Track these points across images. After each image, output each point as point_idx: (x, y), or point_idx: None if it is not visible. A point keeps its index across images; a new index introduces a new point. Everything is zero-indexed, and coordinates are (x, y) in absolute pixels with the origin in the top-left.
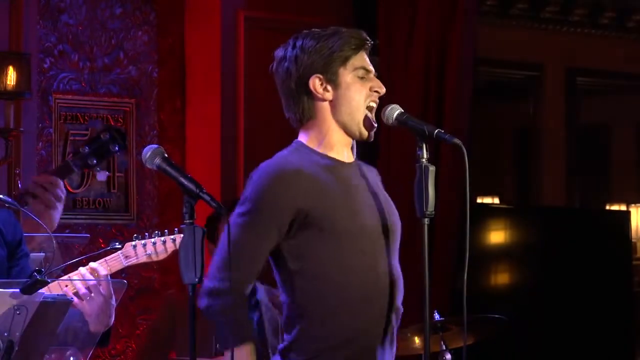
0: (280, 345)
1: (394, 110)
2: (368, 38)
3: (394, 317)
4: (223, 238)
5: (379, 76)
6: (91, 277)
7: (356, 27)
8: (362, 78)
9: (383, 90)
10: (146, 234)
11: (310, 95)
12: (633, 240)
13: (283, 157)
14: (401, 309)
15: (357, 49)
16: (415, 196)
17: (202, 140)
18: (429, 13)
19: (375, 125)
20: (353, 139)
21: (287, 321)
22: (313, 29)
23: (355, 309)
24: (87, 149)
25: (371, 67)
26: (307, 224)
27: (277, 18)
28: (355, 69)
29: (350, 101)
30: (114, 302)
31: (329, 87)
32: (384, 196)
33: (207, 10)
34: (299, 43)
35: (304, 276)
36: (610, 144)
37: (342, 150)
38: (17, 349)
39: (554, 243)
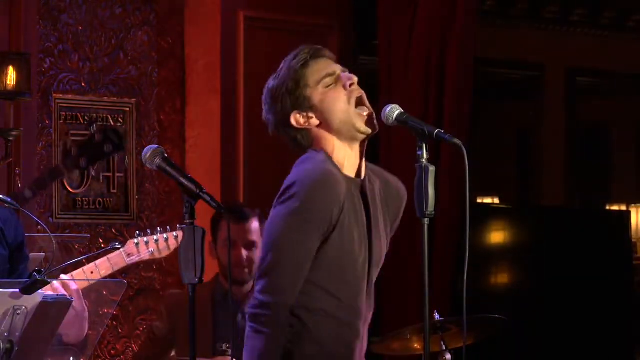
0: None
1: (394, 110)
2: (316, 48)
3: (358, 346)
4: (274, 235)
5: (379, 76)
6: (63, 291)
7: (356, 27)
8: (330, 84)
9: (355, 79)
10: (148, 230)
11: (299, 130)
12: (633, 240)
13: (323, 162)
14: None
15: (309, 60)
16: (415, 196)
17: (202, 140)
18: (429, 13)
19: (368, 111)
20: (359, 141)
21: None
22: (274, 72)
23: (336, 330)
24: (77, 151)
25: (333, 69)
26: (326, 240)
27: (277, 18)
28: (319, 81)
29: (335, 111)
30: (86, 314)
31: (310, 114)
32: (381, 221)
33: (207, 10)
34: (264, 95)
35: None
36: (610, 144)
37: (353, 165)
38: (17, 349)
39: (554, 243)
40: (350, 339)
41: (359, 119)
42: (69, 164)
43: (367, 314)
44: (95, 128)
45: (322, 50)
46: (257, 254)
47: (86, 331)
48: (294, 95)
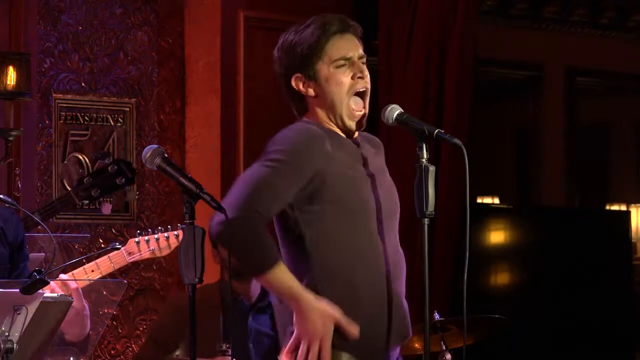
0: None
1: (394, 111)
2: (346, 20)
3: (395, 303)
4: (245, 173)
5: (379, 76)
6: (60, 291)
7: None
8: (342, 66)
9: (366, 73)
10: (149, 230)
11: (297, 94)
12: (633, 240)
13: (305, 124)
14: (403, 290)
15: (334, 34)
16: (415, 196)
17: (202, 140)
18: (429, 13)
19: (363, 111)
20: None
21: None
22: (298, 25)
23: (361, 289)
24: (90, 181)
25: (352, 52)
26: (322, 190)
27: (277, 18)
28: (333, 60)
29: (331, 95)
30: (87, 312)
31: (310, 84)
32: (386, 174)
33: (207, 10)
34: (280, 41)
35: (317, 248)
36: (610, 144)
37: (344, 131)
38: (17, 349)
39: (554, 243)
40: (379, 294)
41: (350, 115)
42: (81, 193)
43: (397, 269)
44: (110, 159)
45: (351, 26)
46: None
47: (88, 329)
48: (304, 61)
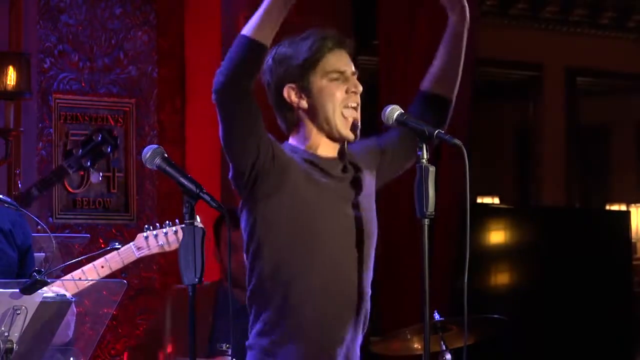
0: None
1: (394, 111)
2: (341, 37)
3: (349, 337)
4: None
5: (379, 76)
6: (64, 290)
7: (356, 27)
8: (336, 80)
9: (359, 89)
10: (157, 224)
11: (288, 105)
12: (633, 240)
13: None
14: (366, 319)
15: (330, 50)
16: (415, 197)
17: (202, 140)
18: (429, 13)
19: (358, 125)
20: (338, 142)
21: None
22: (293, 36)
23: (315, 304)
24: (80, 151)
25: (346, 67)
26: (260, 189)
27: None
28: (327, 73)
29: (324, 107)
30: (72, 316)
31: (303, 96)
32: (367, 200)
33: (207, 10)
34: (272, 52)
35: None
36: (610, 144)
37: (331, 150)
38: (17, 349)
39: (554, 243)
40: (338, 315)
41: (344, 124)
42: (73, 165)
43: (362, 289)
44: (90, 130)
45: (345, 42)
46: None
47: (71, 334)
48: (298, 72)
